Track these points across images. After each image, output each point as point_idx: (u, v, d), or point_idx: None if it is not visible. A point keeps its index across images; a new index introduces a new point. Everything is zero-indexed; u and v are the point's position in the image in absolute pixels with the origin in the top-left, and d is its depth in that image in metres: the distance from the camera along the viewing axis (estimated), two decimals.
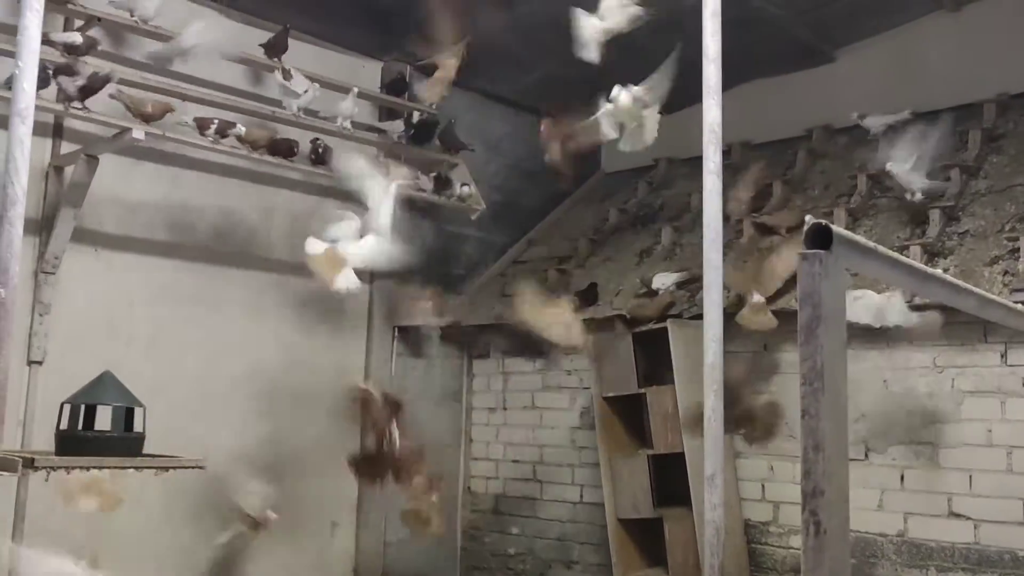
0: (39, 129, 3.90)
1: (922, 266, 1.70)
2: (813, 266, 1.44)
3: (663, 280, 5.08)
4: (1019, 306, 2.11)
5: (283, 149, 4.84)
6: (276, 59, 5.00)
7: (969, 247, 4.41)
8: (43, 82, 4.12)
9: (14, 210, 2.80)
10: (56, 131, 4.50)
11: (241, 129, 4.64)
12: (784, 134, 6.02)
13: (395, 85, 5.80)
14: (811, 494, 1.41)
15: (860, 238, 1.52)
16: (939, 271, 1.80)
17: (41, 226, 4.39)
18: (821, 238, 1.47)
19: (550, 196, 6.65)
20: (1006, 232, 4.36)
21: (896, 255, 1.60)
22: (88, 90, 4.07)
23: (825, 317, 1.43)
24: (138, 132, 4.11)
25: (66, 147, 4.50)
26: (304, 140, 5.12)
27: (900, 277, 1.70)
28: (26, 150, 2.86)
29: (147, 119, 4.25)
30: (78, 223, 4.41)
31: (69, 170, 4.40)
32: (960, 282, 1.83)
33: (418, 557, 5.74)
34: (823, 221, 1.47)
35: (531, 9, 5.42)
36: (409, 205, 5.82)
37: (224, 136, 4.57)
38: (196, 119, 4.54)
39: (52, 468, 3.12)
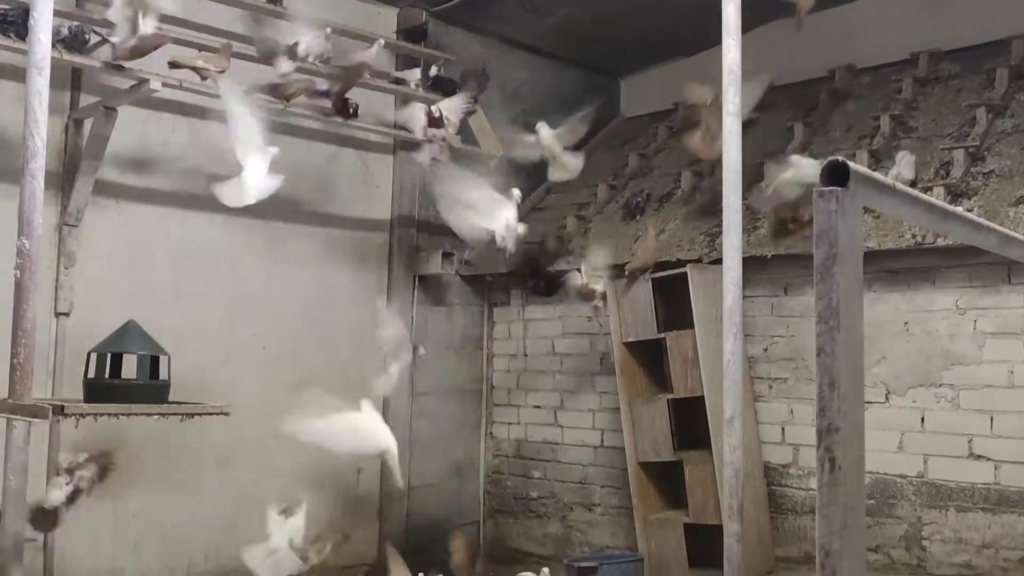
0: (57, 82, 3.92)
1: (942, 203, 1.68)
2: (829, 203, 1.43)
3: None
4: None
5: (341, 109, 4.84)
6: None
7: (994, 187, 4.35)
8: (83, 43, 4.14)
9: (35, 162, 2.83)
10: (74, 84, 4.50)
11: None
12: (806, 75, 5.91)
13: (413, 32, 5.75)
14: (826, 431, 1.42)
15: (878, 175, 1.50)
16: (959, 209, 1.77)
17: (63, 180, 4.42)
18: (838, 175, 1.46)
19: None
20: None
21: (915, 192, 1.58)
22: (137, 51, 4.03)
23: (841, 255, 1.42)
24: (155, 83, 4.10)
25: (84, 99, 4.50)
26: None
27: (920, 215, 1.68)
28: (44, 102, 2.88)
29: (204, 77, 4.23)
30: (99, 176, 4.44)
31: (88, 123, 4.42)
32: (981, 219, 1.81)
33: (441, 501, 5.85)
34: (840, 158, 1.46)
35: None
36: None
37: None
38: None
39: (81, 415, 3.18)
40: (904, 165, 4.50)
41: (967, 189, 4.39)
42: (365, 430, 3.43)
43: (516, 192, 4.36)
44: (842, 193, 1.44)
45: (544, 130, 4.71)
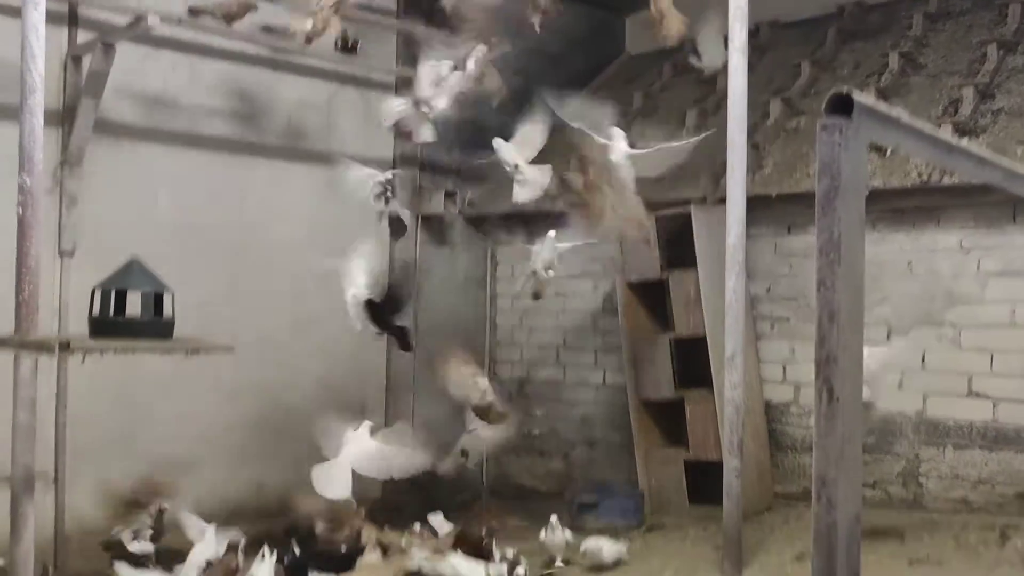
0: (54, 18, 3.87)
1: (947, 137, 1.67)
2: (833, 135, 1.42)
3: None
4: None
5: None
6: None
7: (1003, 125, 4.31)
8: None
9: (33, 98, 2.82)
10: (71, 20, 4.44)
11: None
12: (814, 12, 5.81)
13: None
14: (824, 362, 1.43)
15: (883, 106, 1.48)
16: (964, 142, 1.76)
17: (63, 118, 4.38)
18: (842, 107, 1.45)
19: (573, 80, 6.51)
20: None
21: (920, 124, 1.56)
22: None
23: (843, 188, 1.42)
24: (152, 19, 4.04)
25: (82, 36, 4.45)
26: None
27: (924, 148, 1.67)
28: (41, 36, 2.85)
29: (231, 19, 4.16)
30: (100, 115, 4.40)
31: (87, 60, 4.37)
32: (986, 153, 1.79)
33: (445, 440, 5.91)
34: (845, 88, 1.44)
35: None
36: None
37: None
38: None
39: (87, 351, 3.21)
40: None
41: (975, 127, 4.35)
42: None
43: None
44: (846, 125, 1.43)
45: (502, 146, 4.32)
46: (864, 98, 1.46)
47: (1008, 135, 4.20)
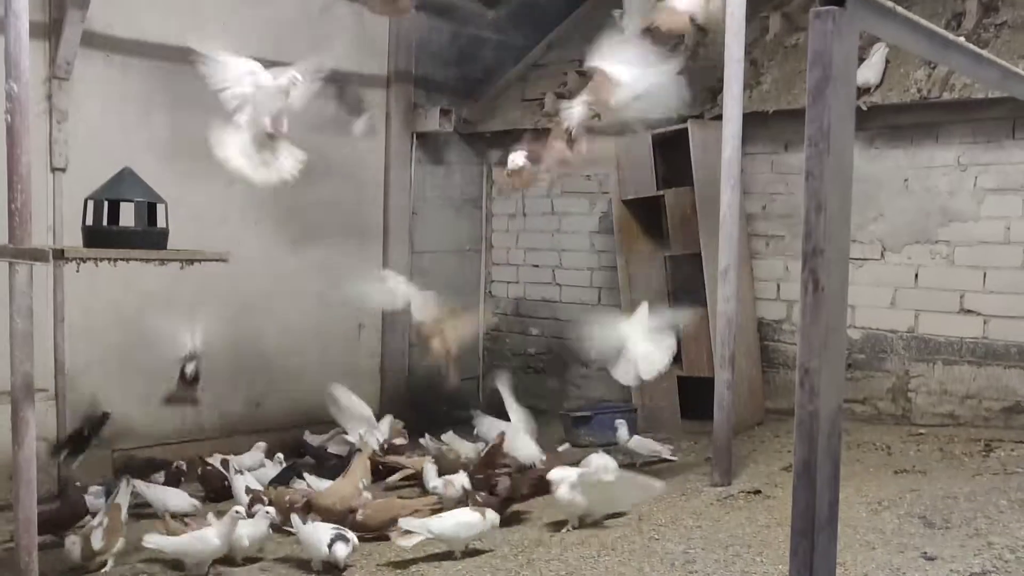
0: None
1: (942, 31, 1.64)
2: (826, 24, 1.40)
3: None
4: None
5: None
6: None
7: (1006, 39, 4.24)
8: None
9: (18, 1, 2.76)
10: None
11: None
12: None
13: None
14: (811, 253, 1.44)
15: None
16: (960, 39, 1.74)
17: (49, 30, 4.30)
18: None
19: None
20: None
21: (915, 17, 1.54)
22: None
23: (835, 78, 1.41)
24: None
25: None
26: None
27: (920, 43, 1.65)
28: None
29: None
30: (87, 27, 4.32)
31: None
32: (982, 51, 1.77)
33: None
34: None
35: None
36: (424, 5, 5.64)
37: None
38: None
39: (82, 260, 3.22)
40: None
41: (979, 41, 4.27)
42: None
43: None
44: (839, 13, 1.41)
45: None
46: None
47: (1010, 49, 4.14)
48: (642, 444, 4.40)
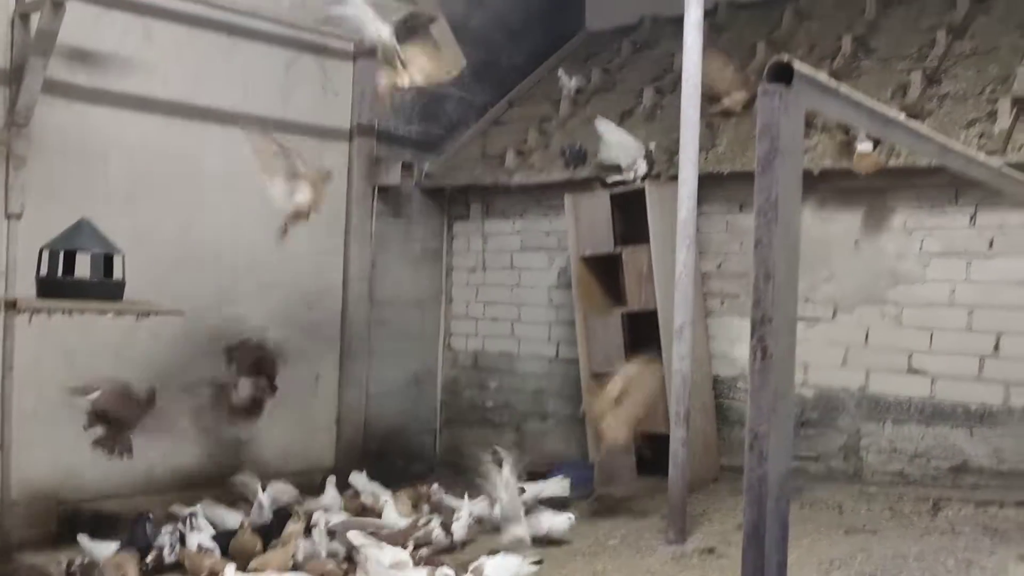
0: None
1: (883, 107, 1.72)
2: (773, 101, 1.47)
3: None
4: (978, 153, 2.15)
5: None
6: None
7: (948, 110, 4.41)
8: None
9: None
10: None
11: None
12: None
13: None
14: (760, 321, 1.49)
15: (822, 75, 1.53)
16: (900, 116, 1.82)
17: (10, 77, 4.29)
18: (783, 74, 1.49)
19: (533, 54, 6.54)
20: (986, 95, 4.36)
21: (858, 95, 1.62)
22: None
23: (782, 151, 1.47)
24: None
25: None
26: None
27: (862, 119, 1.73)
28: None
29: None
30: (49, 75, 4.32)
31: (35, 18, 4.27)
32: (921, 126, 1.86)
33: (399, 410, 5.95)
34: (786, 56, 1.49)
35: None
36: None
37: None
38: None
39: (34, 311, 3.18)
40: None
41: (922, 111, 4.45)
42: None
43: None
44: (785, 91, 1.48)
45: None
46: (803, 67, 1.51)
47: (952, 120, 4.31)
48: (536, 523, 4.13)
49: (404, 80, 4.35)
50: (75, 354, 4.42)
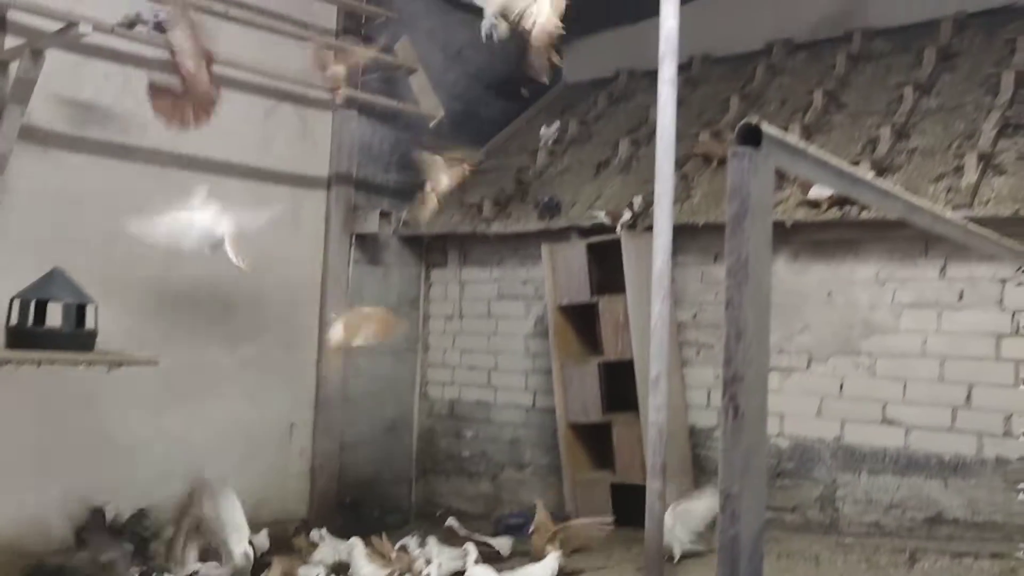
0: None
1: (850, 169, 1.75)
2: (743, 162, 1.49)
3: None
4: (946, 212, 2.19)
5: None
6: None
7: (916, 164, 4.50)
8: None
9: None
10: (0, 25, 4.36)
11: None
12: (744, 48, 6.01)
13: None
14: (731, 380, 1.49)
15: (790, 137, 1.56)
16: (868, 175, 1.85)
17: None
18: (752, 136, 1.52)
19: (510, 106, 6.62)
20: (953, 150, 4.45)
21: (825, 155, 1.65)
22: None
23: (752, 212, 1.49)
24: (84, 26, 3.99)
25: (10, 41, 4.36)
26: (256, 39, 5.02)
27: (830, 178, 1.76)
28: None
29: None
30: (26, 121, 4.32)
31: (14, 66, 4.28)
32: (888, 186, 1.89)
33: (374, 459, 5.89)
34: (755, 119, 1.52)
35: None
36: (367, 111, 5.79)
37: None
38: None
39: (3, 362, 3.13)
40: None
41: (892, 165, 4.54)
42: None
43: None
44: (754, 153, 1.50)
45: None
46: (772, 129, 1.54)
47: (920, 174, 4.40)
48: None
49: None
50: (46, 403, 4.36)
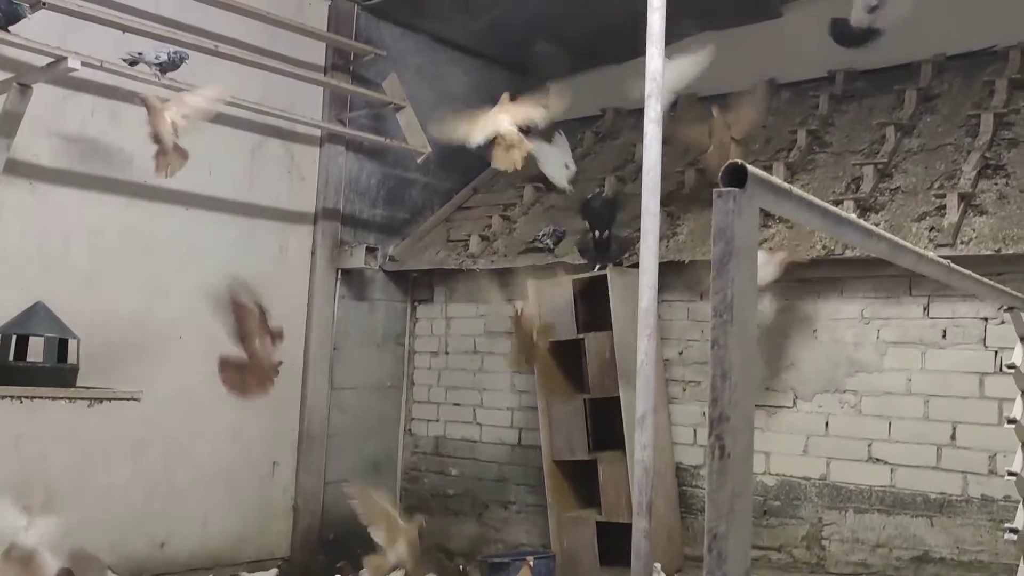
0: None
1: (835, 209, 1.77)
2: (727, 203, 1.50)
3: None
4: (928, 252, 2.21)
5: None
6: None
7: (899, 203, 4.55)
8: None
9: None
10: None
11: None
12: (729, 88, 6.08)
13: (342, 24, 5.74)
14: (717, 420, 1.49)
15: (775, 179, 1.58)
16: (852, 215, 1.87)
17: None
18: (737, 177, 1.53)
19: None
20: (935, 189, 4.50)
21: (809, 197, 1.66)
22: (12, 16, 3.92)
23: (737, 252, 1.49)
24: (73, 61, 4.00)
25: None
26: (244, 75, 5.04)
27: (814, 219, 1.77)
28: None
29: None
30: (12, 155, 4.31)
31: (1, 99, 4.28)
32: (871, 226, 1.91)
33: None
34: (739, 160, 1.53)
35: None
36: (354, 147, 5.81)
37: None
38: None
39: None
40: None
41: (875, 204, 4.58)
42: None
43: None
44: (739, 194, 1.51)
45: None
46: (757, 171, 1.55)
47: (903, 213, 4.44)
48: None
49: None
50: (23, 440, 4.30)
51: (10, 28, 3.97)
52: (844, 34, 4.87)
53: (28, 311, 3.32)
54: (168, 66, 4.29)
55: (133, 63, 4.36)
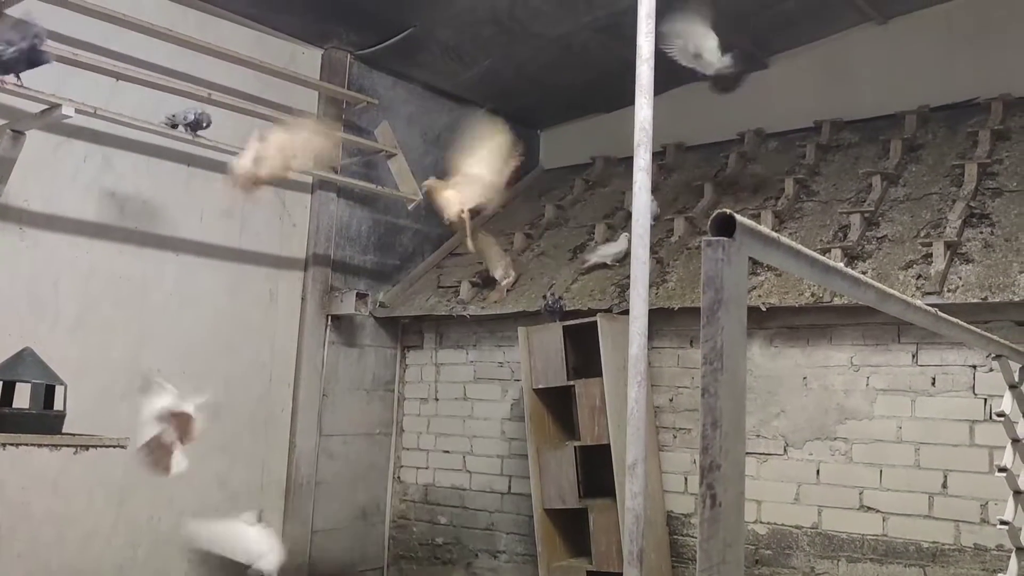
0: None
1: (823, 258, 1.79)
2: (716, 252, 1.52)
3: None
4: (916, 300, 2.23)
5: None
6: None
7: (886, 251, 4.59)
8: None
9: None
10: None
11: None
12: (717, 137, 6.17)
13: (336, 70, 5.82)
14: (708, 468, 1.48)
15: (763, 228, 1.59)
16: (840, 264, 1.89)
17: None
18: (725, 226, 1.55)
19: None
20: (921, 238, 4.54)
21: (797, 246, 1.68)
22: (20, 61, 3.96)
23: (726, 301, 1.51)
24: (67, 109, 4.03)
25: None
26: (237, 122, 5.08)
27: (802, 268, 1.78)
28: None
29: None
30: (3, 200, 4.32)
31: None
32: (859, 275, 1.93)
33: (345, 546, 5.75)
34: (728, 210, 1.55)
35: (472, 4, 5.47)
36: (346, 194, 5.85)
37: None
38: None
39: None
40: None
41: (862, 252, 4.62)
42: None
43: None
44: (728, 243, 1.53)
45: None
46: (745, 220, 1.57)
47: (890, 261, 4.48)
48: None
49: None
50: (5, 486, 4.25)
51: (11, 74, 3.99)
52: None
53: (16, 356, 3.30)
54: (195, 125, 4.56)
55: (173, 126, 4.56)
